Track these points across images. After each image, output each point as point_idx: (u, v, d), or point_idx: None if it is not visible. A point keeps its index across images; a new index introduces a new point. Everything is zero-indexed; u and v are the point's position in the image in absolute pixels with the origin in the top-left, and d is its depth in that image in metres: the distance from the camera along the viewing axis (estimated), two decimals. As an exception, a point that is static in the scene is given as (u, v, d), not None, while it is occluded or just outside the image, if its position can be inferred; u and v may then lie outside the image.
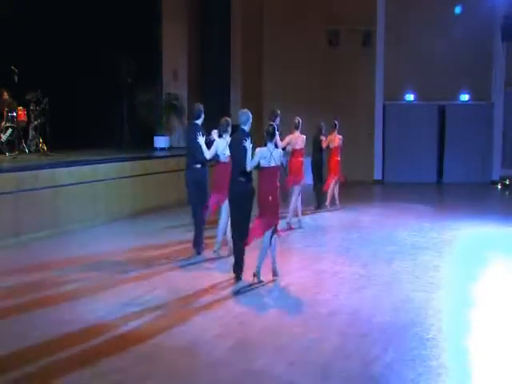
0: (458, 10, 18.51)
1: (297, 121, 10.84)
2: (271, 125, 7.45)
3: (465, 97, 19.41)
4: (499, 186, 18.47)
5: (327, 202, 13.04)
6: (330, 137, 13.10)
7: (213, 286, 6.99)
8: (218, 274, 7.53)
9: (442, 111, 19.64)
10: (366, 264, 8.17)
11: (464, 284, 7.33)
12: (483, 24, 18.55)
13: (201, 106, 8.80)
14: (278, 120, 9.70)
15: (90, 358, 4.86)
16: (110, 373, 4.59)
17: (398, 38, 19.03)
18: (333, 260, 8.39)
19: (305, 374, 4.61)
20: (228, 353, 5.01)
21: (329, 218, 12.17)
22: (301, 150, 10.83)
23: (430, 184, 19.03)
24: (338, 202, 13.16)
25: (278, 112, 9.92)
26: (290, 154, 10.73)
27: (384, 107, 19.58)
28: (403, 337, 5.40)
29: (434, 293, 6.83)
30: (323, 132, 12.92)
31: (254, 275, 7.17)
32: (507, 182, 18.30)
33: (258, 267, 7.18)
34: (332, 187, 13.09)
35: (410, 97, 19.62)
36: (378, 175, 19.64)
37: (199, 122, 8.66)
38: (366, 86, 19.30)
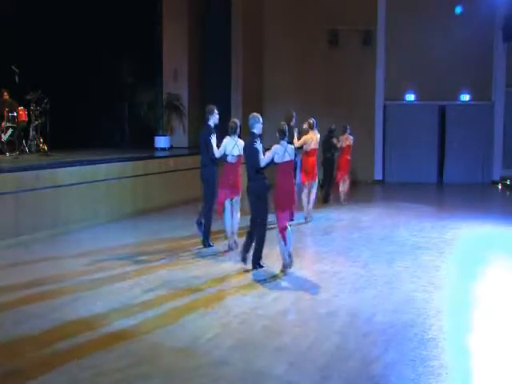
0: (458, 9, 18.52)
1: (311, 121, 11.42)
2: (283, 124, 7.83)
3: (465, 97, 19.41)
4: (500, 186, 18.47)
5: (342, 199, 13.99)
6: (341, 137, 14.04)
7: (212, 285, 7.00)
8: (219, 272, 7.54)
9: (442, 111, 19.65)
10: (367, 264, 8.16)
11: (465, 284, 7.32)
12: (484, 24, 18.55)
13: (213, 107, 9.05)
14: (294, 120, 10.34)
15: (89, 358, 4.86)
16: (110, 373, 4.59)
17: (398, 37, 19.06)
18: (333, 260, 8.38)
19: (305, 374, 4.61)
20: (228, 353, 5.00)
21: (329, 217, 12.16)
22: (315, 149, 11.41)
23: (430, 184, 19.05)
24: (344, 198, 14.03)
25: (294, 113, 10.54)
26: (305, 152, 11.35)
27: (384, 107, 19.59)
28: (404, 337, 5.39)
29: (435, 293, 6.82)
30: (333, 134, 13.78)
31: (285, 267, 7.59)
32: (508, 182, 18.30)
33: (286, 257, 7.58)
34: (341, 184, 14.05)
35: (411, 97, 19.63)
36: (378, 175, 19.64)
37: (212, 122, 8.95)
38: (367, 85, 19.31)
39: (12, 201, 9.09)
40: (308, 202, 11.45)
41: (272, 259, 7.97)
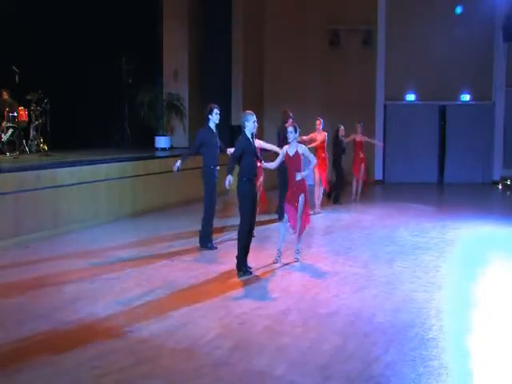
0: (458, 9, 18.52)
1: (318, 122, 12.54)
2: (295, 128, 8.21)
3: (466, 97, 19.42)
4: (500, 186, 18.47)
5: (353, 197, 14.61)
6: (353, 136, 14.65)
7: (213, 286, 7.00)
8: (219, 272, 7.54)
9: (442, 111, 19.66)
10: (367, 264, 8.17)
11: (465, 284, 7.32)
12: (484, 24, 18.57)
13: (213, 106, 8.94)
14: (290, 121, 10.50)
15: (90, 358, 4.87)
16: (112, 373, 4.59)
17: (398, 37, 19.06)
18: (333, 260, 8.38)
19: (305, 375, 4.61)
20: (229, 353, 5.00)
21: (329, 217, 12.17)
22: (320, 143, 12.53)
23: (430, 184, 19.05)
24: (357, 196, 14.67)
25: (291, 114, 10.97)
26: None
27: (385, 107, 19.59)
28: (404, 337, 5.39)
29: (435, 293, 6.82)
30: (340, 133, 13.94)
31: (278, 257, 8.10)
32: (508, 182, 18.30)
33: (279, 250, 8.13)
34: (354, 182, 14.70)
35: (411, 97, 19.64)
36: (378, 175, 19.65)
37: (211, 122, 8.90)
38: (367, 85, 19.30)
39: (12, 201, 9.08)
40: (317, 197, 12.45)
41: (272, 259, 8.00)
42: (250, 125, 7.50)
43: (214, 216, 9.08)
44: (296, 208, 8.01)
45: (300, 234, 8.17)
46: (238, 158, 7.46)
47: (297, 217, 8.02)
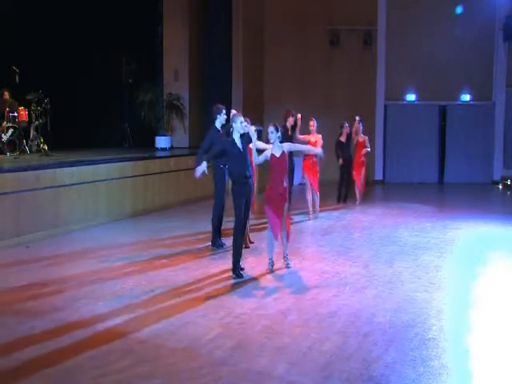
0: (459, 9, 18.53)
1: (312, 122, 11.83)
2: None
3: (466, 97, 19.42)
4: (500, 186, 18.47)
5: (357, 200, 13.95)
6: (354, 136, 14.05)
7: (213, 286, 7.00)
8: (220, 272, 7.54)
9: (443, 111, 19.66)
10: (367, 264, 8.16)
11: (465, 284, 7.33)
12: (484, 24, 18.57)
13: (222, 107, 8.95)
14: (291, 119, 10.57)
15: (90, 358, 4.87)
16: (112, 373, 4.59)
17: (398, 37, 19.07)
18: (333, 260, 8.38)
19: (305, 375, 4.60)
20: (229, 353, 5.00)
21: (329, 217, 12.16)
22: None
23: (431, 184, 19.05)
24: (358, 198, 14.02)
25: (293, 112, 10.72)
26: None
27: (385, 107, 19.58)
28: (404, 337, 5.39)
29: (435, 293, 6.82)
30: (341, 132, 13.69)
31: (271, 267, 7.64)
32: (508, 182, 18.30)
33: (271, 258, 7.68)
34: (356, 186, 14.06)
35: (411, 97, 19.64)
36: (378, 175, 19.64)
37: (218, 122, 8.87)
38: (367, 86, 19.30)
39: (12, 201, 9.09)
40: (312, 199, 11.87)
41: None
42: (238, 126, 7.30)
43: (223, 214, 8.99)
44: (279, 215, 7.47)
45: (288, 240, 7.83)
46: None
47: (281, 225, 7.51)
